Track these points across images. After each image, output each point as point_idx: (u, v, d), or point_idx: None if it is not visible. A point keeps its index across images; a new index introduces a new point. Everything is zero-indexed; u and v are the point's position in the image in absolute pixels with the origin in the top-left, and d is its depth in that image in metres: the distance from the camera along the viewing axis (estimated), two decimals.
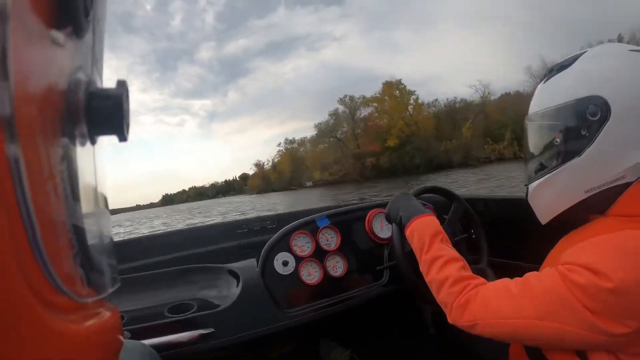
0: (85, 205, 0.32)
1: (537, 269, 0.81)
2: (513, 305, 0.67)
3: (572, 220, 0.79)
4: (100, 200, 0.37)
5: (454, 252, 0.85)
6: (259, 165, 77.73)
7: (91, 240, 0.33)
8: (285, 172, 63.55)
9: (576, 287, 0.61)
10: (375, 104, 52.76)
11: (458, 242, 1.22)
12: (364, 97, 54.45)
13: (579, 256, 0.63)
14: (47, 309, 0.23)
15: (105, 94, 0.31)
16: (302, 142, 64.45)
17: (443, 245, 0.87)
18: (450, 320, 0.77)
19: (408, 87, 51.71)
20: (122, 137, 0.31)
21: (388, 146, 47.70)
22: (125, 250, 1.48)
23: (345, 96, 55.74)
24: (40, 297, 0.23)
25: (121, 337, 0.40)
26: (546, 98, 0.79)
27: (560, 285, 0.63)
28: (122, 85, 0.31)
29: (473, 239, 1.27)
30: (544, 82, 0.80)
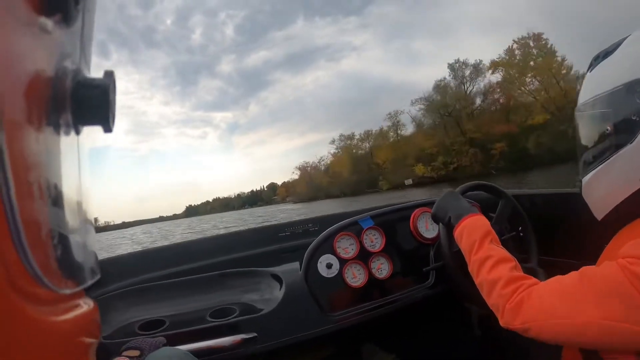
0: (67, 196, 0.31)
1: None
2: (570, 303, 0.64)
3: (628, 213, 0.74)
4: (82, 191, 0.37)
5: (504, 252, 0.82)
6: (304, 169, 75.43)
7: (71, 231, 0.32)
8: (341, 173, 58.11)
9: (636, 277, 0.58)
10: (502, 69, 39.73)
11: (506, 240, 1.19)
12: (480, 61, 42.66)
13: (638, 250, 0.61)
14: (26, 299, 0.23)
15: (92, 84, 0.31)
16: (367, 135, 57.52)
17: (493, 245, 0.85)
18: (502, 323, 0.74)
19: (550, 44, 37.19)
20: (107, 128, 0.31)
21: (531, 125, 35.72)
22: (168, 254, 1.49)
23: (457, 60, 43.64)
24: (19, 287, 0.23)
25: (99, 331, 0.39)
26: (594, 87, 0.77)
27: (622, 279, 0.59)
28: (109, 75, 0.31)
29: (521, 237, 1.23)
30: (590, 71, 0.80)
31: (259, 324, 1.03)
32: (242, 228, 2.25)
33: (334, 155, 63.20)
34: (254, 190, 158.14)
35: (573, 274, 0.69)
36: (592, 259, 0.78)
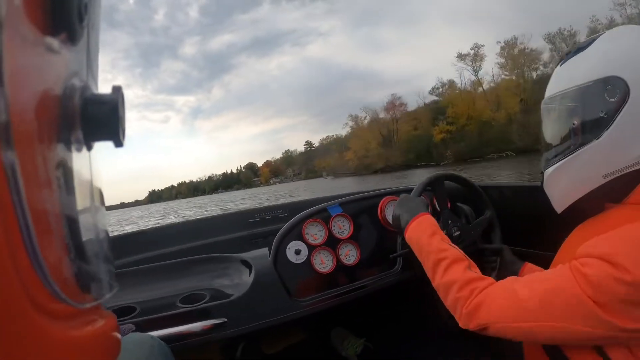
0: (82, 211, 0.32)
1: (552, 257, 0.82)
2: (520, 308, 0.67)
3: (588, 209, 0.78)
4: (97, 205, 0.38)
5: (456, 252, 0.85)
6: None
7: (88, 245, 0.33)
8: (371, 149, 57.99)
9: (586, 280, 0.60)
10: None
11: (475, 225, 1.23)
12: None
13: (596, 247, 0.62)
14: (46, 316, 0.24)
15: (101, 100, 0.31)
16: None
17: (443, 244, 0.87)
18: (461, 325, 0.77)
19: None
20: (118, 143, 0.32)
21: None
22: (137, 241, 1.50)
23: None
24: (39, 304, 0.23)
25: (119, 341, 0.40)
26: (563, 80, 0.78)
27: (570, 280, 0.62)
28: (117, 90, 0.32)
29: (485, 220, 1.27)
30: (561, 65, 0.80)
31: (229, 309, 1.06)
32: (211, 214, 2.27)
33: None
34: (227, 172, 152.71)
35: (526, 277, 0.72)
36: (555, 250, 0.82)
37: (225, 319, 1.03)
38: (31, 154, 0.23)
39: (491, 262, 1.15)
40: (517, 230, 1.31)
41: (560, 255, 0.81)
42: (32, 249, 0.22)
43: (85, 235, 0.32)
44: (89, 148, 0.33)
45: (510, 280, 0.73)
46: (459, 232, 1.17)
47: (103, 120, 0.31)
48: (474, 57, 49.81)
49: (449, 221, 1.17)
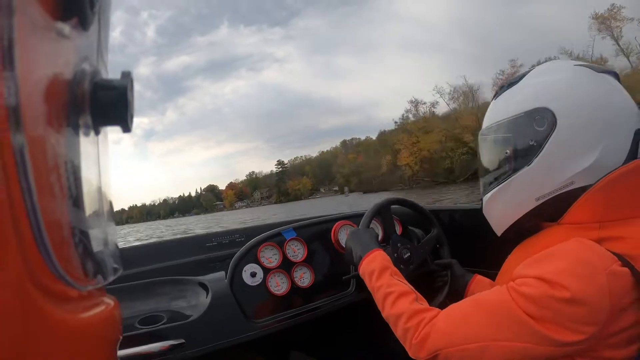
0: (87, 195, 0.33)
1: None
2: (466, 329, 0.71)
3: (526, 230, 0.85)
4: (103, 190, 0.39)
5: (403, 286, 0.88)
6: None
7: (93, 228, 0.33)
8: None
9: (522, 298, 0.64)
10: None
11: (423, 244, 1.32)
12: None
13: (531, 268, 0.67)
14: (48, 297, 0.24)
15: (111, 85, 0.32)
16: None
17: (393, 279, 0.90)
18: (411, 355, 0.79)
19: None
20: (126, 128, 0.32)
21: None
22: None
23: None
24: (42, 285, 0.23)
25: (120, 328, 0.42)
26: (497, 113, 0.85)
27: (509, 300, 0.66)
28: (127, 76, 0.32)
29: (432, 238, 1.35)
30: (495, 99, 0.88)
31: (186, 330, 1.07)
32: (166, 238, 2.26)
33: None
34: (184, 195, 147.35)
35: (468, 300, 0.76)
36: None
37: (183, 340, 1.05)
38: (40, 137, 0.24)
39: (443, 277, 1.23)
40: (466, 251, 1.39)
41: (501, 274, 0.88)
42: (37, 229, 0.22)
43: (90, 218, 0.33)
44: (97, 133, 0.34)
45: (453, 306, 0.77)
46: (409, 254, 1.23)
47: (112, 105, 0.31)
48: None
49: (399, 244, 1.24)
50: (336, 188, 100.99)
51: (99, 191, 0.37)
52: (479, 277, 1.14)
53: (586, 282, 0.61)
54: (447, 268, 1.22)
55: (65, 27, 0.28)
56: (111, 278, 0.37)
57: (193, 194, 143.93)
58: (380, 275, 0.92)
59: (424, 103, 56.39)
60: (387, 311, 0.86)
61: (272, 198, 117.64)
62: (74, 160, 0.30)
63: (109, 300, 0.37)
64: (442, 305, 0.88)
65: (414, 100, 56.72)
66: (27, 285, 0.22)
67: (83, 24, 0.30)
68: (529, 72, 0.83)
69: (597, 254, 0.64)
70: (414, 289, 0.88)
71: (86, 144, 0.32)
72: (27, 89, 0.22)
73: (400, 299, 0.85)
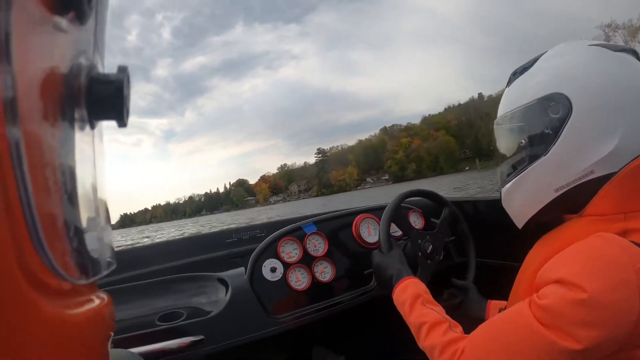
0: (82, 189, 0.33)
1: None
2: (496, 358, 0.67)
3: (548, 222, 0.80)
4: (98, 185, 0.39)
5: (436, 315, 0.85)
6: None
7: (87, 223, 0.33)
8: None
9: (541, 310, 0.61)
10: None
11: (447, 244, 1.27)
12: None
13: (552, 271, 0.63)
14: (40, 291, 0.24)
15: (107, 79, 0.32)
16: None
17: (424, 309, 0.88)
18: None
19: None
20: (122, 123, 0.33)
21: None
22: (116, 261, 1.51)
23: None
24: (34, 276, 0.23)
25: (113, 324, 0.42)
26: (510, 101, 0.82)
27: (529, 317, 0.63)
28: (123, 70, 0.32)
29: (459, 242, 1.32)
30: (509, 86, 0.84)
31: (206, 326, 1.08)
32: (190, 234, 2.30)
33: None
34: (210, 192, 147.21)
35: (493, 322, 0.72)
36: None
37: (203, 336, 1.06)
38: (36, 130, 0.24)
39: (454, 298, 1.19)
40: (489, 243, 1.36)
41: (522, 270, 0.83)
42: (31, 221, 0.23)
43: (85, 210, 0.33)
44: (93, 127, 0.34)
45: (480, 330, 0.73)
46: (431, 246, 1.19)
47: (108, 99, 0.31)
48: None
49: (419, 240, 1.19)
50: (386, 177, 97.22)
51: (94, 187, 0.37)
52: (493, 303, 1.10)
53: (609, 281, 0.56)
54: (464, 291, 1.18)
55: (63, 21, 0.28)
56: (105, 272, 0.36)
57: (221, 190, 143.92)
58: (413, 306, 0.90)
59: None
60: (422, 343, 0.84)
61: (312, 191, 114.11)
62: (70, 154, 0.30)
63: (102, 296, 0.36)
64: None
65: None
66: (17, 275, 0.22)
67: (80, 18, 0.30)
68: (541, 55, 0.79)
69: (624, 249, 0.59)
70: (446, 317, 0.85)
71: (82, 138, 0.32)
72: (23, 83, 0.22)
73: (432, 330, 0.82)
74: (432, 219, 1.48)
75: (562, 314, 0.58)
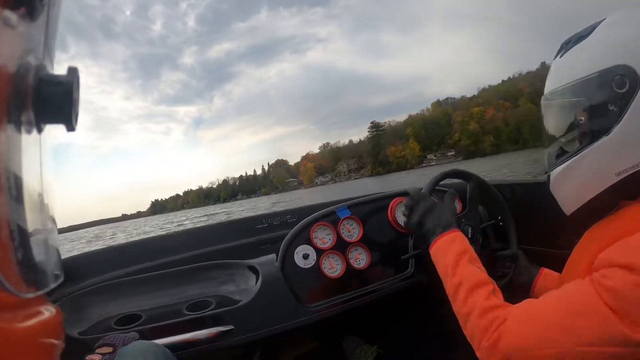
0: (29, 196, 0.31)
1: (567, 256, 0.79)
2: (545, 334, 0.63)
3: (600, 208, 0.75)
4: (44, 190, 0.37)
5: (480, 275, 0.80)
6: None
7: (34, 232, 0.32)
8: None
9: (607, 292, 0.58)
10: None
11: (485, 228, 1.21)
12: None
13: (618, 255, 0.60)
14: None
15: (56, 81, 0.31)
16: None
17: (470, 266, 0.83)
18: (479, 356, 0.72)
19: None
20: (70, 127, 0.31)
21: None
22: (144, 249, 1.53)
23: None
24: None
25: (62, 337, 0.39)
26: (565, 73, 0.75)
27: (594, 296, 0.59)
28: (73, 72, 0.31)
29: (501, 226, 1.24)
30: (560, 57, 0.77)
31: (236, 316, 1.07)
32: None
33: None
34: (246, 174, 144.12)
35: (547, 297, 0.68)
36: (570, 248, 0.79)
37: (232, 326, 1.04)
38: None
39: (505, 268, 1.12)
40: (532, 229, 1.29)
41: (575, 256, 0.78)
42: None
43: (32, 221, 0.32)
44: (40, 130, 0.32)
45: (529, 303, 0.70)
46: (470, 229, 1.12)
47: (56, 102, 0.30)
48: None
49: (463, 220, 1.13)
50: (452, 152, 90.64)
51: (41, 192, 0.36)
52: (546, 271, 1.04)
53: None
54: (512, 260, 1.11)
55: (12, 16, 0.27)
56: (52, 285, 0.35)
57: (259, 172, 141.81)
58: (458, 261, 0.84)
59: None
60: (457, 306, 0.79)
61: (366, 169, 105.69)
62: (15, 159, 0.28)
63: (50, 309, 0.35)
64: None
65: None
66: None
67: (31, 14, 0.29)
68: (600, 22, 0.72)
69: None
70: (492, 280, 0.80)
71: (28, 141, 0.31)
72: None
73: (475, 291, 0.77)
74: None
75: (634, 300, 0.55)
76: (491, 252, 1.15)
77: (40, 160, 0.35)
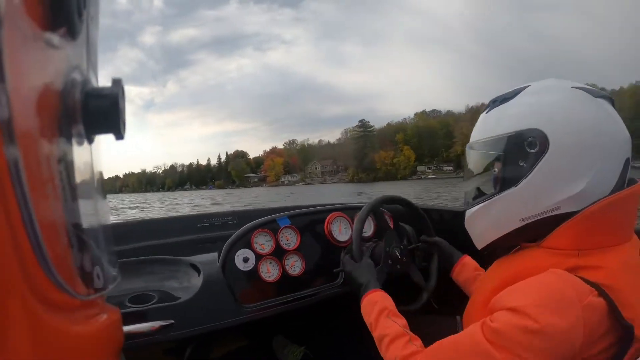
0: (84, 204, 0.34)
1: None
2: None
3: (505, 247, 0.86)
4: (99, 197, 0.40)
5: (397, 328, 0.89)
6: None
7: (90, 237, 0.35)
8: None
9: (492, 332, 0.65)
10: None
11: (412, 250, 1.33)
12: None
13: (507, 300, 0.67)
14: (50, 307, 0.25)
15: (101, 93, 0.33)
16: None
17: (389, 321, 0.92)
18: None
19: None
20: (119, 136, 0.33)
21: None
22: None
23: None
24: (43, 295, 0.24)
25: (122, 337, 0.43)
26: (488, 127, 0.83)
27: (480, 337, 0.67)
28: (117, 83, 0.33)
29: (425, 248, 1.36)
30: (487, 112, 0.85)
31: (177, 311, 1.10)
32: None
33: None
34: (197, 162, 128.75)
35: (452, 337, 0.75)
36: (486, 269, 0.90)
37: (173, 321, 1.07)
38: (33, 148, 0.24)
39: (427, 257, 1.30)
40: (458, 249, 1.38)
41: (478, 287, 0.91)
42: (35, 241, 0.23)
43: (88, 227, 0.34)
44: (90, 141, 0.34)
45: (439, 343, 0.77)
46: (398, 255, 1.25)
47: (104, 113, 0.32)
48: None
49: (394, 242, 1.26)
50: (449, 167, 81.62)
51: (95, 199, 0.39)
52: (466, 260, 1.18)
53: (559, 315, 0.62)
54: (434, 246, 1.28)
55: (54, 37, 0.28)
56: (111, 287, 0.37)
57: (213, 162, 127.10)
58: (378, 318, 0.94)
59: None
60: (383, 353, 0.88)
61: (345, 174, 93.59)
62: (69, 170, 0.31)
63: (110, 309, 0.38)
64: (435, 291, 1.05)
65: None
66: (27, 296, 0.22)
67: (72, 33, 0.31)
68: (524, 88, 0.81)
69: (574, 286, 0.65)
70: (407, 330, 0.89)
71: (80, 152, 0.33)
72: (18, 101, 0.22)
73: (393, 343, 0.86)
74: (401, 223, 1.52)
75: (512, 338, 0.63)
76: (416, 264, 1.30)
77: (92, 167, 0.37)
